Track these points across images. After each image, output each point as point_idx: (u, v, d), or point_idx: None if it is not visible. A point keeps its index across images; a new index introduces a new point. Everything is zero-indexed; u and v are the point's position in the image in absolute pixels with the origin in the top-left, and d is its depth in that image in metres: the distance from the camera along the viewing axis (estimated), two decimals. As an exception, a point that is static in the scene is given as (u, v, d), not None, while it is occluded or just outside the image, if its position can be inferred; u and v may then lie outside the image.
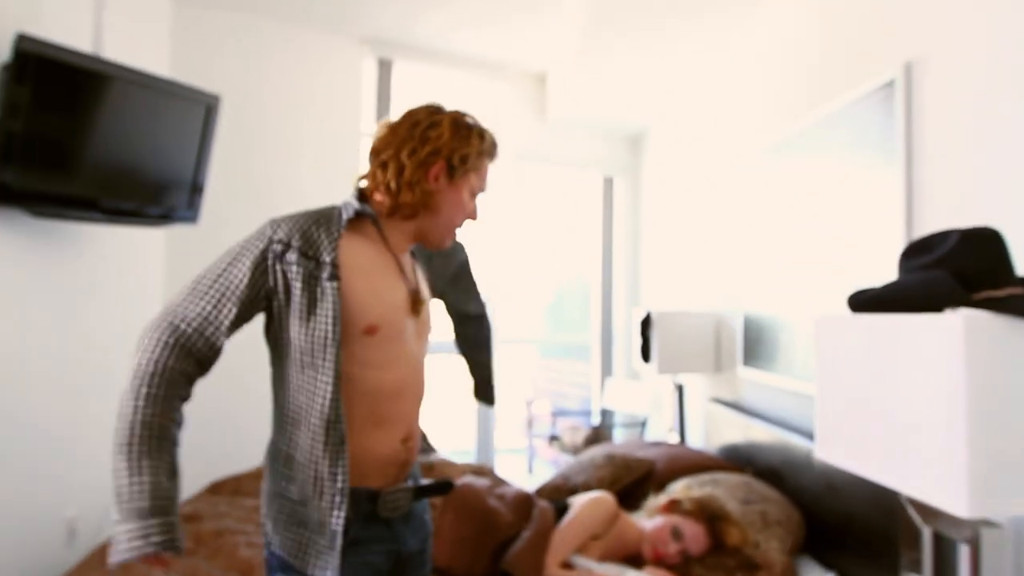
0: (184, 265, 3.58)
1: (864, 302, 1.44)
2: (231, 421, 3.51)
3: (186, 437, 3.53)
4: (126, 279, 3.21)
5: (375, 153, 1.36)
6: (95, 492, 2.94)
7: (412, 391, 1.38)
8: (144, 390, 1.15)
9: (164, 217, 2.93)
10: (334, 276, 1.23)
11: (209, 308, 1.21)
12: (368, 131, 4.10)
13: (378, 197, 1.35)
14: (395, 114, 1.40)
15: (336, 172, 3.89)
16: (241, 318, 1.24)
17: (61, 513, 2.72)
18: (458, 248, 1.67)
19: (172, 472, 1.17)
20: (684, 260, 4.08)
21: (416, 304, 1.37)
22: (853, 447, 1.51)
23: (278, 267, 1.23)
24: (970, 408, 1.14)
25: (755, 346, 3.05)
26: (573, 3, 3.44)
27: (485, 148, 1.38)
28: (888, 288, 1.38)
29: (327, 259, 1.24)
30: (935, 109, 1.95)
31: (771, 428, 2.71)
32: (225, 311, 1.21)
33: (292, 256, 1.23)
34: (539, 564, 1.98)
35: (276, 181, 3.81)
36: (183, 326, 1.19)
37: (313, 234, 1.26)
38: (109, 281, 3.05)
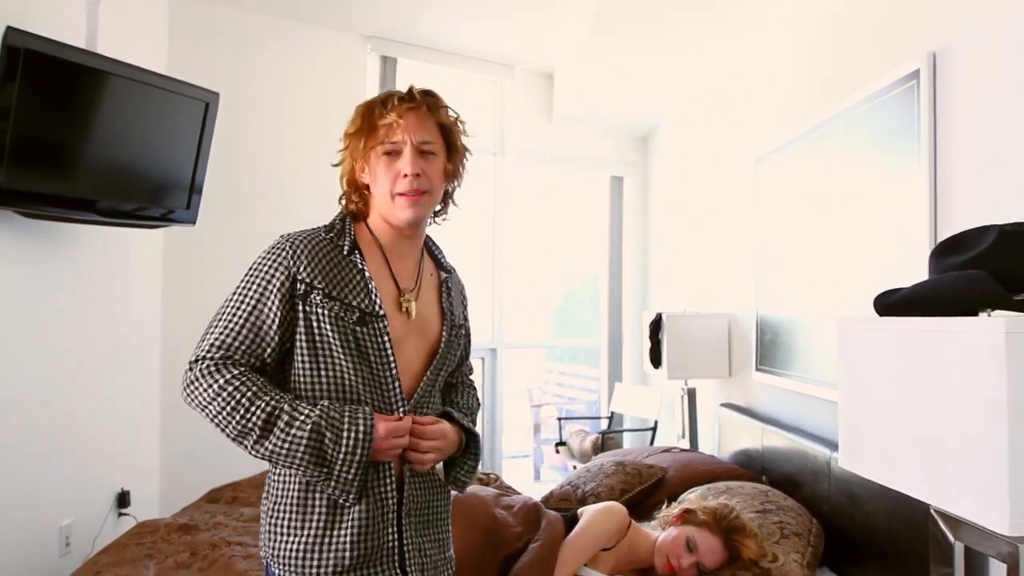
0: (182, 267, 3.52)
1: (893, 304, 1.35)
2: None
3: (184, 444, 3.48)
4: (123, 281, 3.14)
5: None
6: (90, 500, 2.87)
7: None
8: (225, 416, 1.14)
9: (162, 218, 2.86)
10: (364, 322, 1.22)
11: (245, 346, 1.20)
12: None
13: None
14: None
15: (339, 173, 3.81)
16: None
17: (56, 522, 2.66)
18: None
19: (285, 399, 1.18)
20: (695, 261, 3.99)
21: (400, 302, 1.30)
22: (880, 457, 1.42)
23: (303, 308, 1.21)
24: (1013, 418, 1.05)
25: (770, 349, 2.95)
26: (580, -2, 3.37)
27: (375, 109, 1.28)
28: (920, 288, 1.30)
29: (355, 303, 1.23)
30: (961, 102, 1.85)
31: (787, 435, 2.62)
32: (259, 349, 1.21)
33: (317, 297, 1.21)
34: (547, 578, 1.90)
35: (276, 181, 3.74)
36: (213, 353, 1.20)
37: (335, 271, 1.24)
38: (105, 283, 2.98)
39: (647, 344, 3.62)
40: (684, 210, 4.17)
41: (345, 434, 1.13)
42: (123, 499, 3.11)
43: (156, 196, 2.78)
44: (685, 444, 3.57)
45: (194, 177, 2.91)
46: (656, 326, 3.53)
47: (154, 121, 2.70)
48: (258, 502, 2.69)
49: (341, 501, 1.17)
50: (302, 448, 1.12)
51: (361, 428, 1.14)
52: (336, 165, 1.35)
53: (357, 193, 1.33)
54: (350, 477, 1.14)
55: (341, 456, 1.13)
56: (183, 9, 3.54)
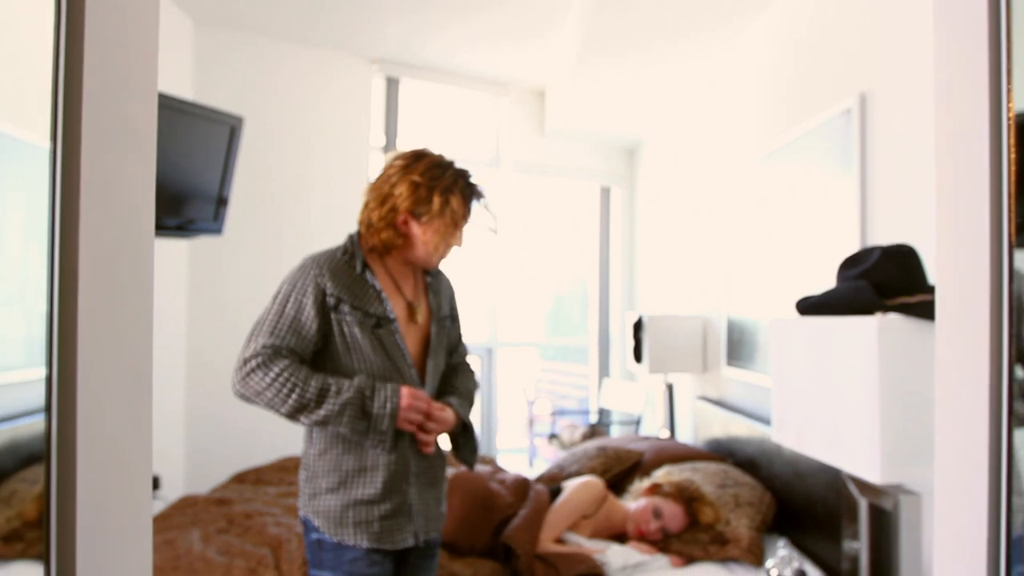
0: (205, 273, 3.84)
1: (807, 307, 1.69)
2: (250, 418, 3.77)
3: (205, 437, 3.82)
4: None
5: (367, 192, 1.67)
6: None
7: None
8: (281, 397, 1.47)
9: (184, 228, 3.18)
10: (380, 325, 1.57)
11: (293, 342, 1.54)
12: (377, 145, 4.36)
13: (362, 231, 1.65)
14: (400, 147, 1.67)
15: (348, 184, 4.14)
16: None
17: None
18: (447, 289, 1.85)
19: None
20: (676, 266, 4.33)
21: (412, 314, 1.66)
22: (801, 430, 1.75)
23: (334, 316, 1.55)
24: (883, 394, 1.39)
25: (737, 347, 3.29)
26: (570, 25, 3.70)
27: (449, 206, 1.60)
28: (825, 295, 1.63)
29: (372, 311, 1.57)
30: (884, 135, 2.20)
31: (749, 422, 2.96)
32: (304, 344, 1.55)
33: (345, 308, 1.54)
34: (534, 539, 2.23)
35: (291, 193, 4.07)
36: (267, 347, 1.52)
37: (354, 286, 1.58)
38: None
39: (631, 343, 3.95)
40: (666, 219, 4.51)
41: (379, 393, 1.50)
42: (154, 483, 3.44)
43: (181, 208, 3.11)
44: (665, 434, 3.91)
45: (221, 191, 3.24)
46: (638, 327, 3.87)
47: (186, 142, 3.03)
48: (279, 482, 3.02)
49: (379, 451, 1.51)
50: (348, 407, 1.46)
51: (389, 389, 1.51)
52: (382, 212, 1.61)
53: (393, 231, 1.61)
54: (384, 427, 1.49)
55: (376, 409, 1.48)
56: (206, 37, 3.87)
